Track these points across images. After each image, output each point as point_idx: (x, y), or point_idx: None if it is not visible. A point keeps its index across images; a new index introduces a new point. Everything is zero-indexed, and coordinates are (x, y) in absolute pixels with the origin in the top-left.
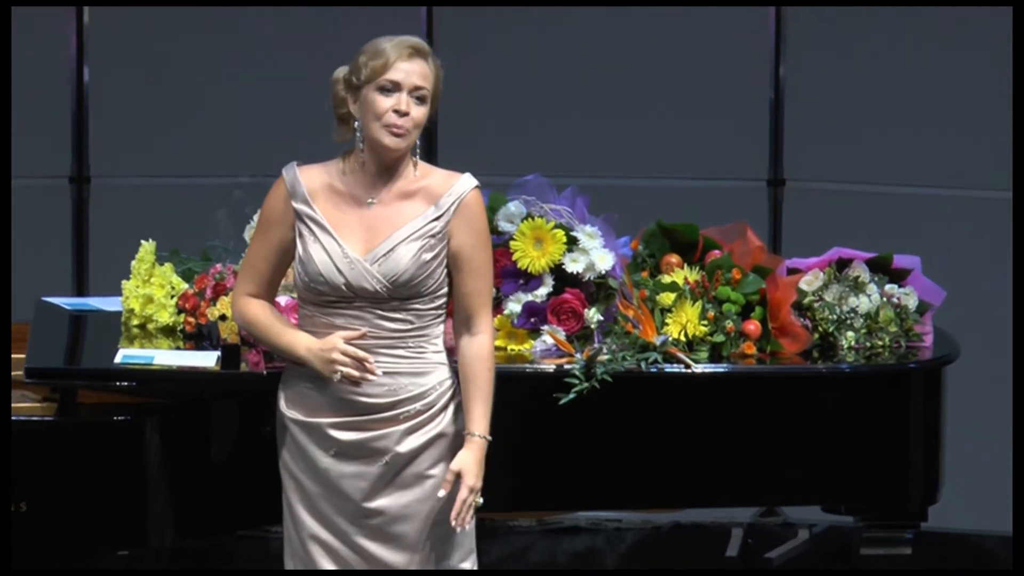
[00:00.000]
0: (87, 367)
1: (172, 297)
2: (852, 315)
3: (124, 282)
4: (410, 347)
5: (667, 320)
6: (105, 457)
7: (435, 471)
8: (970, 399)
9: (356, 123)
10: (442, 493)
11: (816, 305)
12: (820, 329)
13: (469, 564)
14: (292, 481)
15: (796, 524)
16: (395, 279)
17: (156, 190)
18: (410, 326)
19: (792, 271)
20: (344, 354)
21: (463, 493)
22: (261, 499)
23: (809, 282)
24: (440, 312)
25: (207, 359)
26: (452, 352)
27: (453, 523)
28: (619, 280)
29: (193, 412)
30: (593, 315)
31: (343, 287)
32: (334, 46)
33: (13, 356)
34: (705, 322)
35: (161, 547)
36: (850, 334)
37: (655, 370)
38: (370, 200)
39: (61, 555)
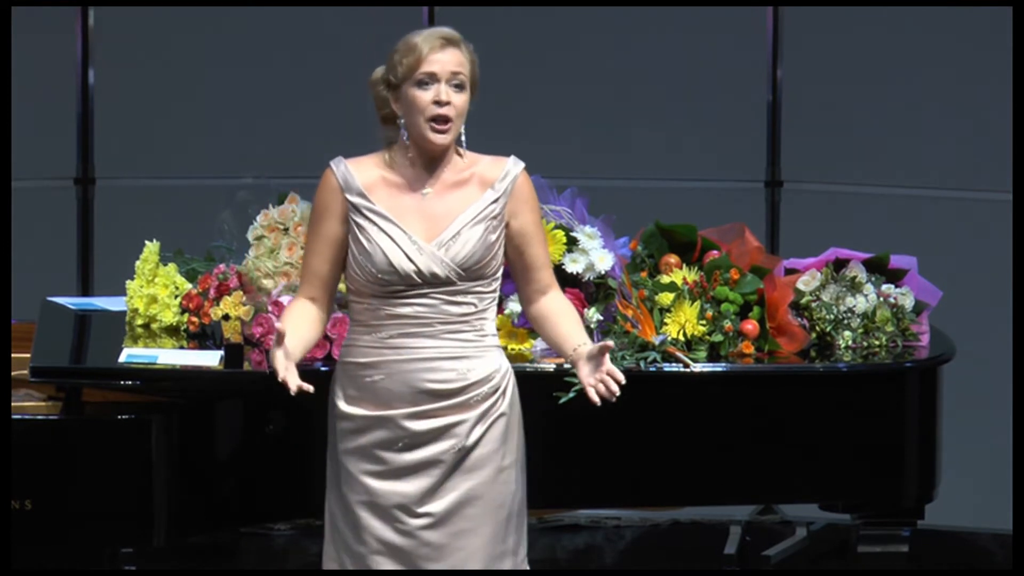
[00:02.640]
0: (92, 366)
1: (176, 297)
2: (849, 315)
3: (128, 282)
4: (475, 329)
5: (666, 320)
6: (109, 455)
7: (497, 453)
8: (967, 398)
9: (401, 120)
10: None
11: (813, 305)
12: (817, 329)
13: (524, 549)
14: (354, 482)
15: (794, 522)
16: (464, 262)
17: (161, 191)
18: (474, 309)
19: (790, 271)
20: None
21: (613, 368)
22: (264, 497)
23: (806, 282)
24: (496, 295)
25: (210, 358)
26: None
27: (615, 387)
28: (618, 280)
29: (196, 411)
30: (593, 315)
31: (413, 275)
32: (337, 46)
33: (20, 355)
34: (703, 322)
35: (164, 545)
36: (847, 334)
37: (654, 369)
38: (425, 190)
39: (65, 552)
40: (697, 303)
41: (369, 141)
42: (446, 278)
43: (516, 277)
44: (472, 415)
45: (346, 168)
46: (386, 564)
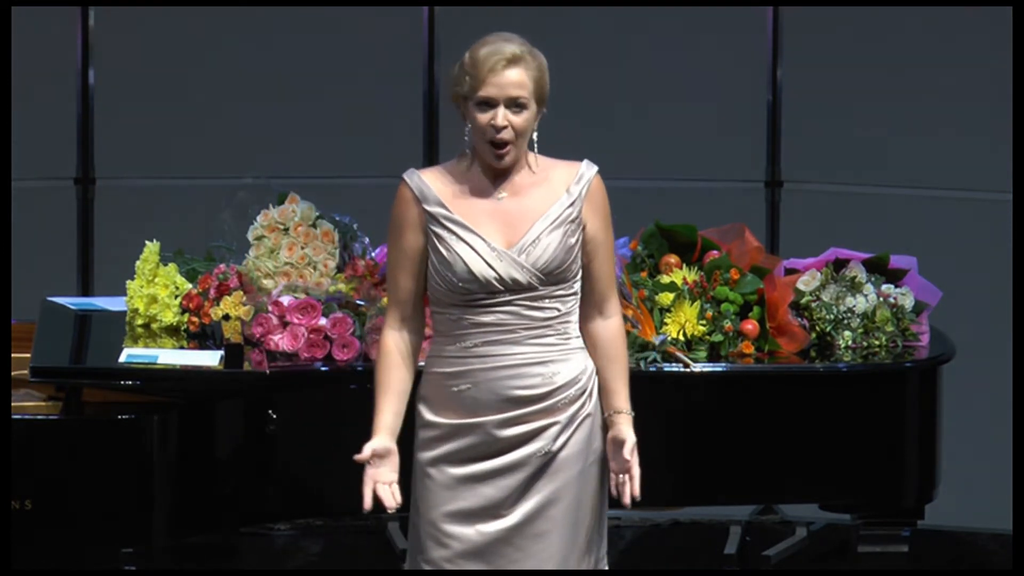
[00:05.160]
0: (92, 366)
1: (176, 297)
2: (849, 315)
3: (128, 282)
4: (559, 333)
5: (666, 320)
6: (109, 455)
7: (582, 455)
8: (967, 398)
9: (467, 128)
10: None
11: (813, 305)
12: (817, 329)
13: (601, 548)
14: (438, 488)
15: (794, 522)
16: (545, 267)
17: (161, 191)
18: (557, 313)
19: (790, 271)
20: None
21: (636, 469)
22: (264, 497)
23: (806, 282)
24: (577, 297)
25: (210, 358)
26: None
27: (627, 499)
28: (618, 280)
29: (196, 411)
30: None
31: (494, 281)
32: (337, 46)
33: (20, 355)
34: (703, 322)
35: (164, 545)
36: (847, 334)
37: (654, 369)
38: (501, 195)
39: (65, 552)
40: (697, 303)
41: (370, 140)
42: (527, 284)
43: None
44: (561, 418)
45: (420, 179)
46: (466, 566)
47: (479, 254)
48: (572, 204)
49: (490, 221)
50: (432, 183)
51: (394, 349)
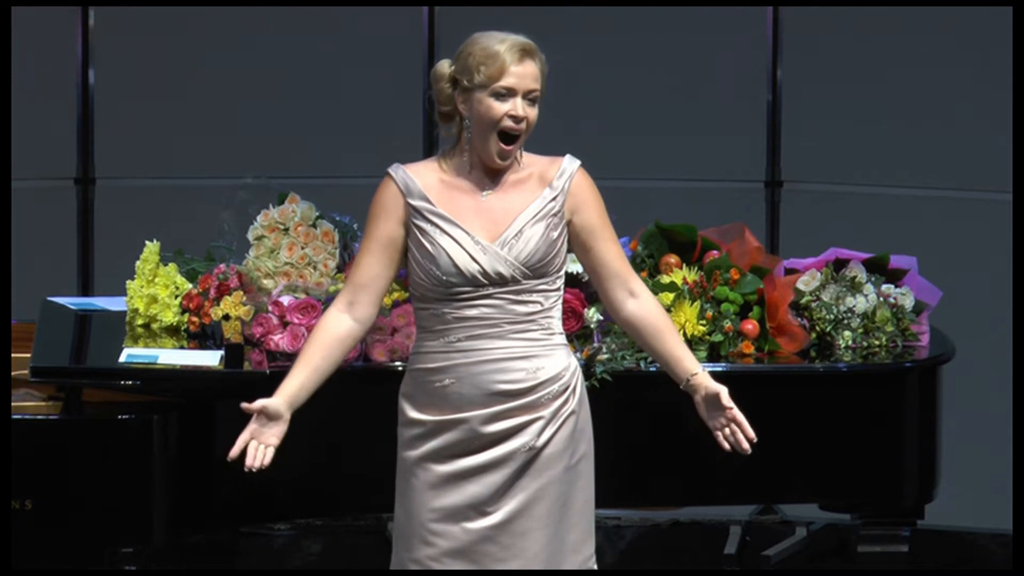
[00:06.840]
0: (92, 366)
1: (176, 297)
2: (849, 315)
3: (128, 282)
4: (542, 328)
5: None
6: (109, 455)
7: (566, 452)
8: (967, 398)
9: (465, 123)
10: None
11: (813, 305)
12: (817, 329)
13: (588, 547)
14: (423, 486)
15: (794, 522)
16: (528, 260)
17: (161, 191)
18: (540, 308)
19: (790, 271)
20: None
21: (740, 415)
22: (263, 497)
23: (806, 282)
24: (560, 292)
25: (211, 358)
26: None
27: (745, 444)
28: None
29: (197, 411)
30: (592, 315)
31: (478, 275)
32: (337, 46)
33: (20, 355)
34: (703, 322)
35: (164, 544)
36: (847, 333)
37: (654, 369)
38: (485, 192)
39: (66, 552)
40: (697, 303)
41: (370, 140)
42: (511, 277)
43: (596, 280)
44: (545, 414)
45: (405, 173)
46: (452, 564)
47: (463, 247)
48: (555, 198)
49: (473, 215)
50: (417, 177)
51: (330, 328)
